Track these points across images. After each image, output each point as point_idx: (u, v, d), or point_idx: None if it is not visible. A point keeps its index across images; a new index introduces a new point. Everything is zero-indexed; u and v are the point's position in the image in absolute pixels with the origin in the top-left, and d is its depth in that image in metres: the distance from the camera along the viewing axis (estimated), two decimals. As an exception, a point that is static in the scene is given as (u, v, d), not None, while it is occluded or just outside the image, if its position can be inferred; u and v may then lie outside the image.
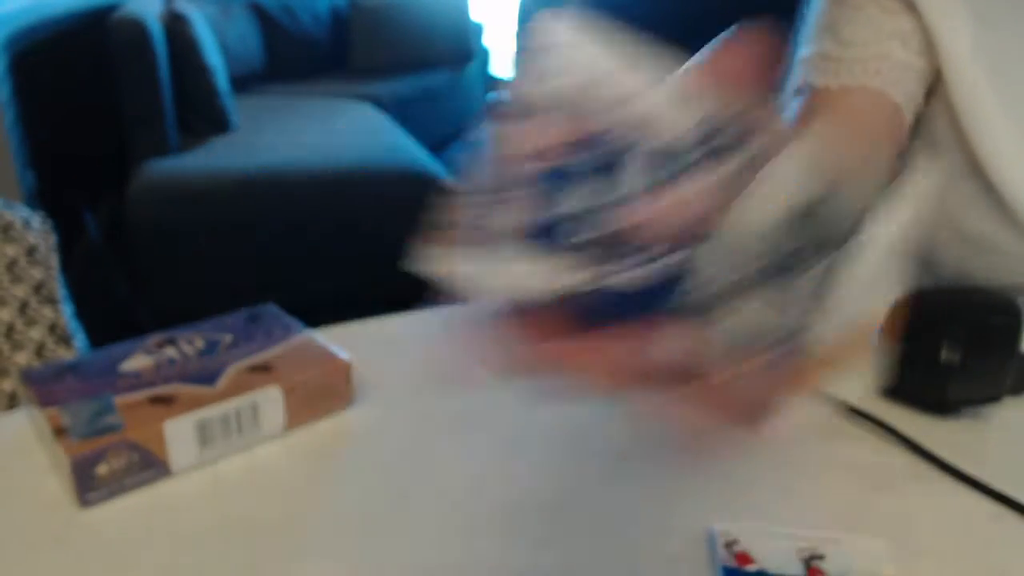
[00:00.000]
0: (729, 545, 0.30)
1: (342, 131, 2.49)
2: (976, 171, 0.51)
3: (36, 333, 0.62)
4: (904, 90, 0.51)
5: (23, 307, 0.61)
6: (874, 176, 0.30)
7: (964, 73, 0.49)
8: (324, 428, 0.38)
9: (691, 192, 0.21)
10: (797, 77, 0.54)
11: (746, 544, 0.29)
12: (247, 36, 3.32)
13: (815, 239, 0.22)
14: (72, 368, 0.38)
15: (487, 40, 4.56)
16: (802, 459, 0.36)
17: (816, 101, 0.52)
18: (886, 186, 0.29)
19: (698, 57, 0.24)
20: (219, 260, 1.99)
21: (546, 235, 0.22)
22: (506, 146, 0.23)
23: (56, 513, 0.32)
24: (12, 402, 0.60)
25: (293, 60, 3.56)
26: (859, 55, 0.51)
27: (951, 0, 0.49)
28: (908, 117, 0.52)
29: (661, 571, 0.29)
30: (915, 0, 0.49)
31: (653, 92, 0.22)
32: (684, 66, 0.24)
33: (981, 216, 0.51)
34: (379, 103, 3.10)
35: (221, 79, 2.36)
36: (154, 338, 0.41)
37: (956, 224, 0.52)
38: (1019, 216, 0.50)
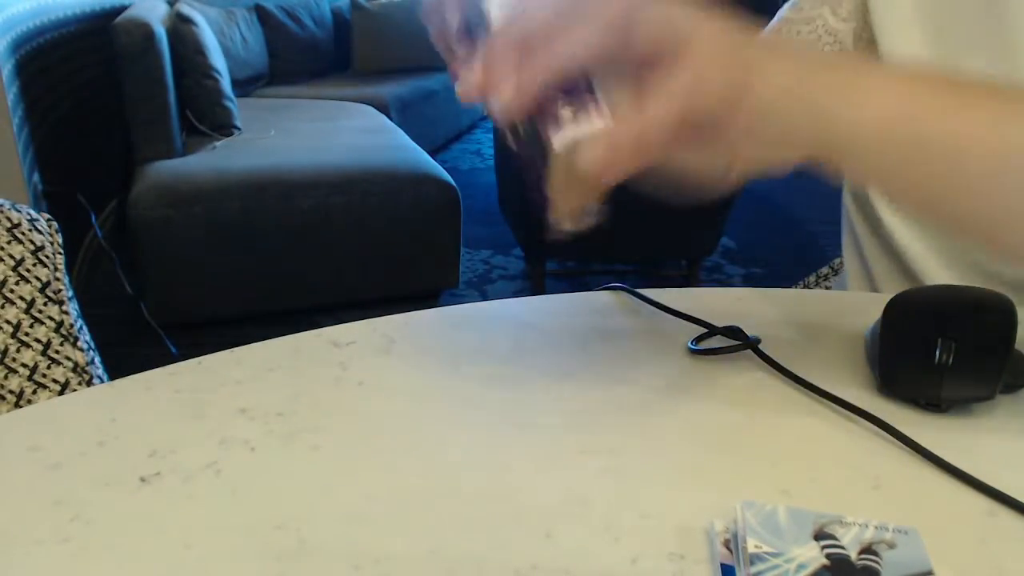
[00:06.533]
0: (728, 543, 0.30)
1: (344, 133, 2.50)
2: None
3: (42, 332, 0.62)
4: (819, 48, 0.59)
5: (29, 306, 0.62)
6: None
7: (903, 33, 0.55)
8: (324, 427, 0.38)
9: None
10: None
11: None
12: (251, 39, 3.34)
13: None
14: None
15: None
16: (799, 457, 0.36)
17: None
18: None
19: None
20: (223, 261, 2.00)
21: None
22: None
23: (56, 513, 0.32)
24: (19, 400, 0.60)
25: (296, 63, 3.57)
26: (795, 17, 0.60)
27: None
28: None
29: (660, 568, 0.30)
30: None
31: None
32: None
33: None
34: (381, 105, 3.11)
35: (225, 82, 2.37)
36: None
37: None
38: None
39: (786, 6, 0.63)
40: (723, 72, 0.32)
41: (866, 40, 0.58)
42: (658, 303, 0.51)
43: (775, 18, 0.63)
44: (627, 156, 0.32)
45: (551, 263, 2.41)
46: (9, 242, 0.62)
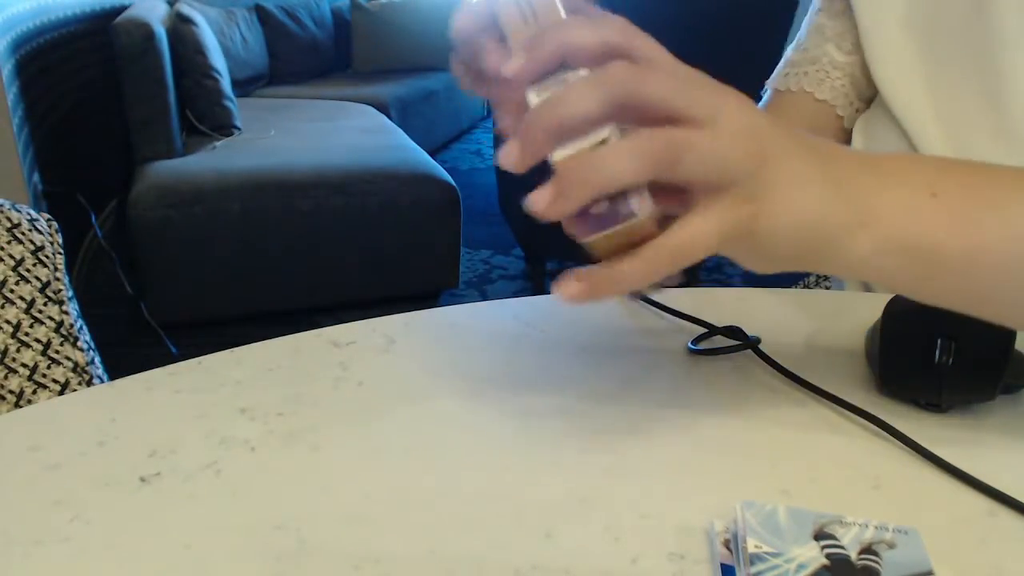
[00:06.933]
0: (728, 543, 0.30)
1: (344, 133, 2.50)
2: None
3: (42, 332, 0.62)
4: (831, 86, 0.59)
5: (30, 306, 0.62)
6: None
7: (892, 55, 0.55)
8: (324, 427, 0.38)
9: None
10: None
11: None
12: (251, 39, 3.34)
13: None
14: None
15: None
16: (799, 457, 0.37)
17: (769, 103, 0.63)
18: None
19: None
20: (222, 261, 1.99)
21: None
22: None
23: (56, 513, 0.32)
24: (19, 400, 0.60)
25: (296, 63, 3.57)
26: (800, 59, 0.60)
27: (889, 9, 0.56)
28: (841, 109, 0.60)
29: (660, 568, 0.30)
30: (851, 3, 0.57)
31: None
32: None
33: None
34: (381, 105, 3.11)
35: (225, 82, 2.37)
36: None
37: None
38: None
39: (790, 48, 0.63)
40: (739, 203, 0.30)
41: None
42: (658, 303, 0.51)
43: (781, 62, 0.63)
44: (662, 268, 0.31)
45: (551, 263, 2.41)
46: (9, 242, 0.62)
